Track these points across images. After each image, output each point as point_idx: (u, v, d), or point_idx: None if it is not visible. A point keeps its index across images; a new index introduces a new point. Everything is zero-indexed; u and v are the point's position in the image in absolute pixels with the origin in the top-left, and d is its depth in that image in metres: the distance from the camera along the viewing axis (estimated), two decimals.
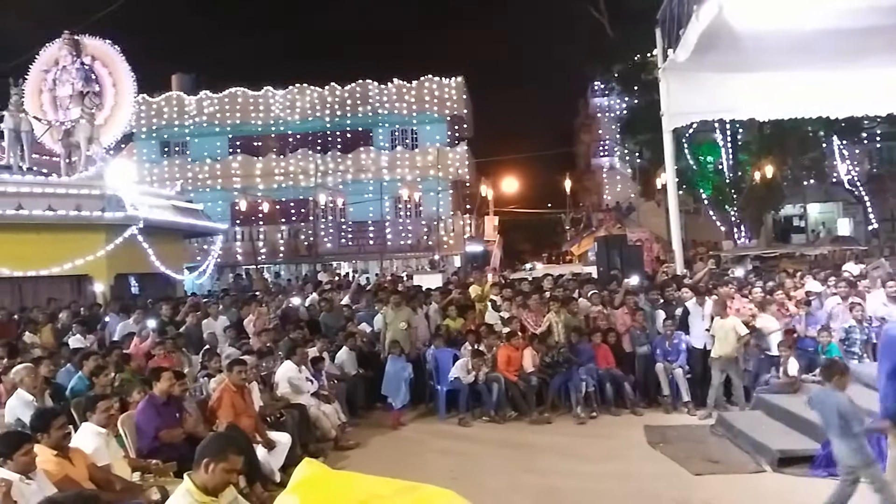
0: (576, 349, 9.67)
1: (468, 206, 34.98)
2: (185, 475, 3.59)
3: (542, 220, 44.36)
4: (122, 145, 27.19)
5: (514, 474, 7.11)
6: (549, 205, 43.26)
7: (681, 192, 20.09)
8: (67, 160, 17.28)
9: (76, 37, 18.40)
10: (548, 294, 11.42)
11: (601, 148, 40.36)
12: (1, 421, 6.10)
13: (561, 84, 63.36)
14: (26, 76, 18.37)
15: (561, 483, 6.80)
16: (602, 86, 34.25)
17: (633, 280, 11.59)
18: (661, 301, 10.64)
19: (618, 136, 34.52)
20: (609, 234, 21.31)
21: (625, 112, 30.74)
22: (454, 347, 10.06)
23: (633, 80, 25.74)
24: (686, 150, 24.57)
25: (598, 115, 39.63)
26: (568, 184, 39.06)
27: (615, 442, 8.12)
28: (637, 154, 30.41)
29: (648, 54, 20.25)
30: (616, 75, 27.76)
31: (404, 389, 9.41)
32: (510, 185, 38.44)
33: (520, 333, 9.96)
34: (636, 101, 26.91)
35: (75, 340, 10.14)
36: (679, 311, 10.13)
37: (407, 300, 11.01)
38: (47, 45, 18.71)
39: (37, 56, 18.86)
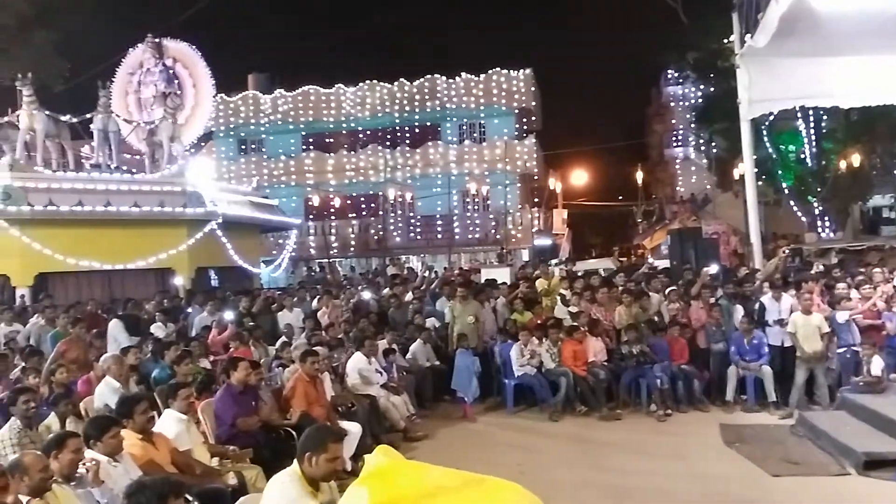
0: (650, 345, 9.47)
1: (536, 200, 34.67)
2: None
3: (612, 213, 43.57)
4: (202, 143, 28.26)
5: (583, 470, 7.03)
6: (620, 197, 42.42)
7: (760, 183, 19.31)
8: (151, 158, 18.10)
9: (159, 40, 19.25)
10: (620, 288, 11.23)
11: (675, 138, 39.24)
12: (91, 406, 6.46)
13: (632, 73, 61.87)
14: (113, 79, 19.34)
15: (630, 481, 6.68)
16: (676, 74, 33.21)
17: (712, 268, 11.22)
18: (740, 296, 10.30)
19: (692, 125, 33.42)
20: (683, 227, 20.78)
21: (700, 101, 29.77)
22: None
23: (709, 68, 24.88)
24: (766, 139, 23.58)
25: (672, 104, 38.54)
26: (640, 175, 38.21)
27: (688, 440, 7.92)
28: (713, 144, 29.38)
29: (725, 41, 19.51)
30: (691, 63, 26.91)
31: (475, 383, 9.45)
32: (579, 177, 37.91)
33: (583, 329, 9.82)
34: (712, 89, 26.00)
35: (156, 328, 10.65)
36: (756, 307, 9.78)
37: (475, 294, 11.02)
38: (132, 48, 19.65)
39: (123, 59, 19.85)
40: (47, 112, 16.15)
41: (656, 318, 10.26)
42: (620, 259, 27.24)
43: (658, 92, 40.61)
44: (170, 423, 5.49)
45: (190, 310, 12.01)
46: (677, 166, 39.38)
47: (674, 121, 38.81)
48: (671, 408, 8.99)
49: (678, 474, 6.80)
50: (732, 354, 9.27)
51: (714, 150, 30.21)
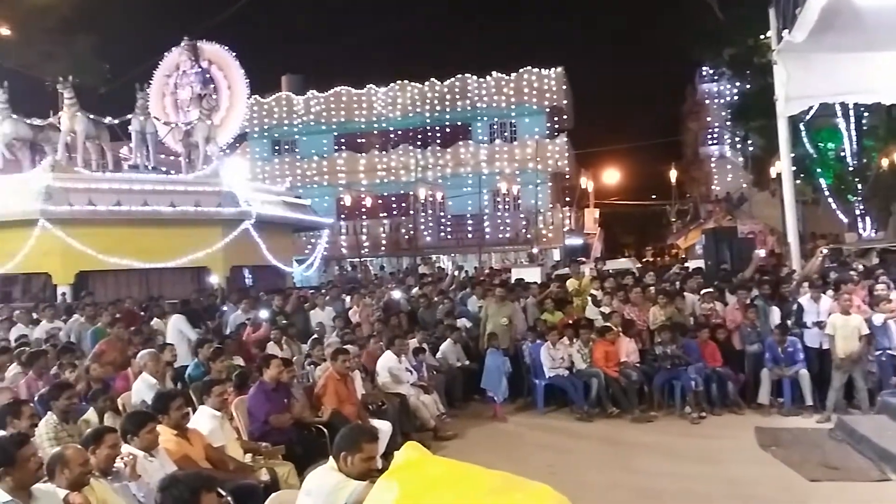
0: (684, 346, 9.34)
1: (568, 199, 34.44)
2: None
3: (645, 213, 43.06)
4: (237, 144, 28.70)
5: (614, 472, 6.97)
6: (654, 196, 41.92)
7: (798, 182, 18.90)
8: (187, 159, 18.44)
9: (195, 42, 19.59)
10: (652, 288, 11.10)
11: (710, 136, 38.62)
12: (128, 402, 6.61)
13: (666, 71, 61.14)
14: (151, 81, 19.74)
15: (661, 483, 6.60)
16: (711, 71, 32.74)
17: (762, 252, 11.00)
18: (777, 297, 10.10)
19: (728, 123, 32.91)
20: (718, 226, 20.45)
21: (736, 98, 29.29)
22: None
23: (745, 64, 24.46)
24: (804, 137, 23.09)
25: (707, 101, 37.95)
26: (674, 174, 37.69)
27: (722, 443, 7.78)
28: (749, 141, 28.86)
29: (762, 36, 19.15)
30: (727, 59, 26.48)
31: (504, 383, 9.43)
32: (612, 176, 37.57)
33: (616, 330, 9.72)
34: (748, 86, 25.57)
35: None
36: (794, 308, 9.58)
37: (509, 294, 10.96)
38: (169, 51, 20.03)
39: (160, 62, 20.25)
40: (88, 114, 16.54)
41: (691, 319, 10.13)
42: (645, 259, 26.97)
43: (693, 89, 40.03)
44: (204, 419, 5.58)
45: (225, 308, 12.20)
46: (712, 165, 38.76)
47: (709, 118, 38.21)
48: (705, 410, 8.85)
49: (711, 477, 6.69)
50: (766, 360, 9.08)
51: (750, 148, 29.69)
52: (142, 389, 6.70)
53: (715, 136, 38.00)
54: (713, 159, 38.77)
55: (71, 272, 14.95)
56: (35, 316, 11.30)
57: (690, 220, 36.35)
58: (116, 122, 17.50)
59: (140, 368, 7.06)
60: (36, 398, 6.08)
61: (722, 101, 34.54)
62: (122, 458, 4.25)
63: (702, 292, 10.70)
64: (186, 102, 19.27)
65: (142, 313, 11.96)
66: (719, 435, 8.11)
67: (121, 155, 19.60)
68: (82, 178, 15.59)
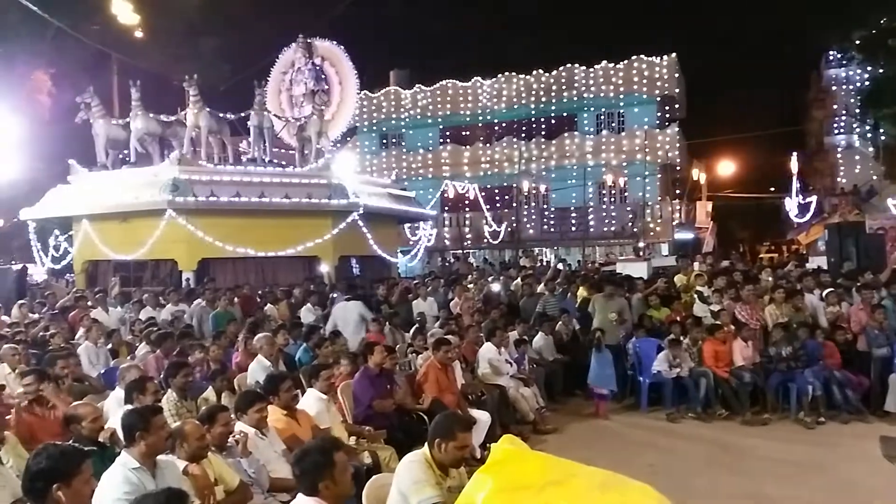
0: (804, 347, 8.81)
1: (678, 191, 33.21)
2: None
3: (763, 206, 40.76)
4: (347, 138, 29.66)
5: (720, 475, 6.70)
6: (772, 189, 39.55)
7: None
8: (301, 153, 19.21)
9: (309, 40, 20.35)
10: (768, 284, 10.56)
11: (836, 124, 36.07)
12: (244, 382, 7.01)
13: (788, 56, 57.33)
14: (268, 78, 20.70)
15: (768, 488, 6.29)
16: (839, 55, 30.58)
17: None
18: None
19: (857, 110, 30.64)
20: (843, 221, 19.11)
21: (866, 83, 27.22)
22: (657, 338, 9.68)
23: (877, 47, 22.68)
24: None
25: (834, 88, 35.46)
26: (795, 165, 35.45)
27: (840, 451, 7.31)
28: (880, 130, 26.75)
29: None
30: (856, 42, 24.65)
31: (613, 380, 9.24)
32: (726, 167, 35.91)
33: (731, 326, 9.31)
34: (881, 71, 23.72)
35: (306, 311, 11.35)
36: None
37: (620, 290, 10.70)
38: (285, 48, 20.92)
39: (277, 59, 21.19)
40: (210, 110, 17.55)
41: (810, 320, 9.54)
42: (760, 255, 25.48)
43: (818, 75, 37.53)
44: (312, 401, 5.83)
45: (334, 296, 12.66)
46: (839, 155, 36.19)
47: (835, 106, 35.71)
48: (823, 416, 8.33)
49: (824, 486, 6.31)
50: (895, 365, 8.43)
51: (882, 137, 27.54)
52: (256, 371, 7.08)
53: (842, 124, 35.48)
54: (839, 149, 36.22)
55: (194, 259, 15.89)
56: (161, 300, 12.16)
57: (813, 214, 34.11)
58: (235, 117, 18.43)
59: (256, 351, 7.48)
60: (161, 376, 6.57)
61: (850, 87, 32.22)
62: (234, 436, 4.53)
63: (825, 292, 10.07)
64: (300, 98, 20.04)
65: (259, 300, 12.64)
66: (837, 443, 7.62)
67: (240, 149, 20.70)
68: (205, 170, 16.53)
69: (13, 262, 20.79)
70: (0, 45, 15.89)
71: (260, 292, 13.49)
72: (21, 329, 9.70)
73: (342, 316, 9.97)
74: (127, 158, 18.00)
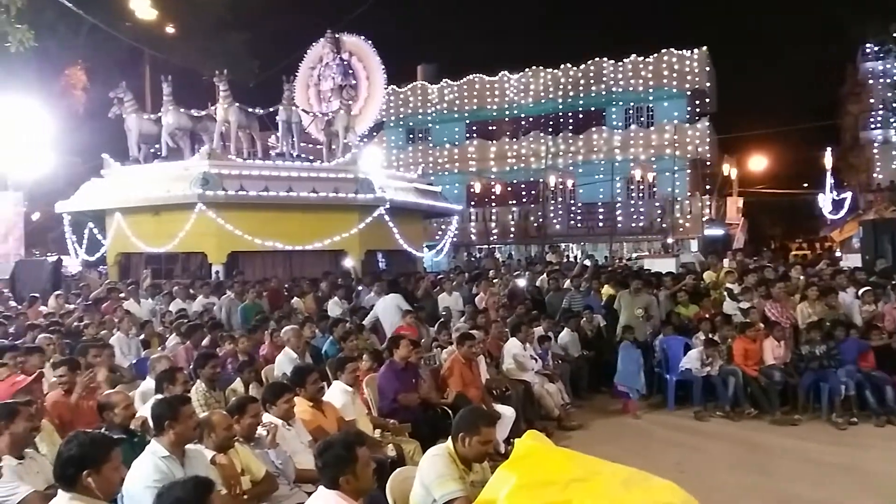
0: (838, 346, 8.64)
1: (708, 187, 32.74)
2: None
3: (795, 202, 40.00)
4: (374, 133, 29.75)
5: (748, 475, 6.61)
6: (805, 185, 38.79)
7: None
8: (328, 148, 19.33)
9: (337, 35, 20.45)
10: (800, 282, 10.37)
11: (873, 119, 35.23)
12: (271, 374, 7.10)
13: (822, 48, 56.06)
14: (296, 74, 20.84)
15: (796, 489, 6.19)
16: (876, 48, 29.85)
17: None
18: None
19: (895, 104, 29.90)
20: (879, 218, 18.68)
21: None
22: (685, 335, 9.57)
23: None
24: None
25: (871, 81, 34.59)
26: (829, 161, 34.72)
27: (873, 453, 7.16)
28: None
29: None
30: (894, 35, 24.04)
31: (642, 378, 9.15)
32: (758, 162, 35.26)
33: (761, 325, 9.16)
34: None
35: (333, 304, 11.44)
36: None
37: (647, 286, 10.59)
38: (313, 43, 21.05)
39: (305, 55, 21.33)
40: (239, 105, 17.74)
41: (844, 318, 9.36)
42: (792, 252, 25.00)
43: (854, 68, 36.64)
44: (337, 393, 5.88)
45: (360, 289, 12.74)
46: (875, 150, 35.35)
47: (872, 100, 34.84)
48: (857, 416, 8.17)
49: (855, 487, 6.20)
50: None
51: None
52: (283, 363, 7.16)
53: (878, 119, 34.63)
54: (876, 144, 35.37)
55: (224, 252, 16.12)
56: (192, 291, 12.34)
57: (847, 210, 33.41)
58: (264, 112, 18.61)
59: (283, 343, 7.56)
60: (190, 367, 6.67)
61: (888, 80, 31.41)
62: (264, 427, 4.58)
63: (860, 291, 9.86)
64: (328, 93, 20.15)
65: (286, 293, 12.77)
66: (871, 444, 7.47)
67: (269, 143, 20.89)
68: (235, 165, 16.74)
69: (49, 254, 21.24)
70: (36, 40, 16.20)
71: (286, 285, 13.62)
72: (57, 319, 9.94)
73: (383, 308, 10.09)
74: (158, 153, 18.29)
